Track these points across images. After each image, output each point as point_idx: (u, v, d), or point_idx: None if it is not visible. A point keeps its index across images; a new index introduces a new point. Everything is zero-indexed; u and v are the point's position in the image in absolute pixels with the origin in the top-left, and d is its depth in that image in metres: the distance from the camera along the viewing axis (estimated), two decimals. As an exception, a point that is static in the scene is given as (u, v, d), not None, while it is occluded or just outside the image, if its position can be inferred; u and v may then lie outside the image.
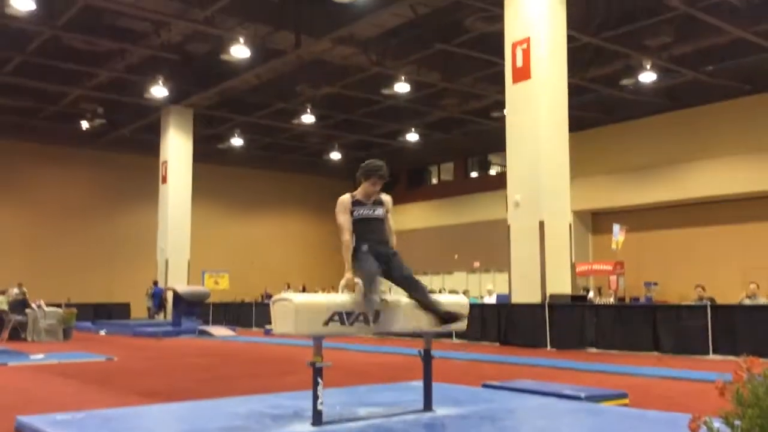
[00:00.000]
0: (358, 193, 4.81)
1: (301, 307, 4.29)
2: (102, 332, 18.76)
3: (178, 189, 23.76)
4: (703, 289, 14.12)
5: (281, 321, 4.38)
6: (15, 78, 20.41)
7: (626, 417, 4.77)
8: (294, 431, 4.27)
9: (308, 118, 24.65)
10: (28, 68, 19.75)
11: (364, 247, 4.64)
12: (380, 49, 18.59)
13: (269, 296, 23.63)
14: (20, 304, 15.60)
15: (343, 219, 4.70)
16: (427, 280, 28.24)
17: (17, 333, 15.10)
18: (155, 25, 17.73)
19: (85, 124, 25.76)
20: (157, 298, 24.01)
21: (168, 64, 20.30)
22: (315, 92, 22.13)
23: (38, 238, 25.97)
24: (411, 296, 4.74)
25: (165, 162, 24.02)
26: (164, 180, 24.01)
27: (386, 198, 4.90)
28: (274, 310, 4.44)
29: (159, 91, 21.49)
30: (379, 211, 4.78)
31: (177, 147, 23.86)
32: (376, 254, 4.65)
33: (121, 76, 20.68)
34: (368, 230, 4.70)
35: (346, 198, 4.78)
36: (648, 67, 18.37)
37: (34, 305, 15.67)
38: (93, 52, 19.26)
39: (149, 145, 25.51)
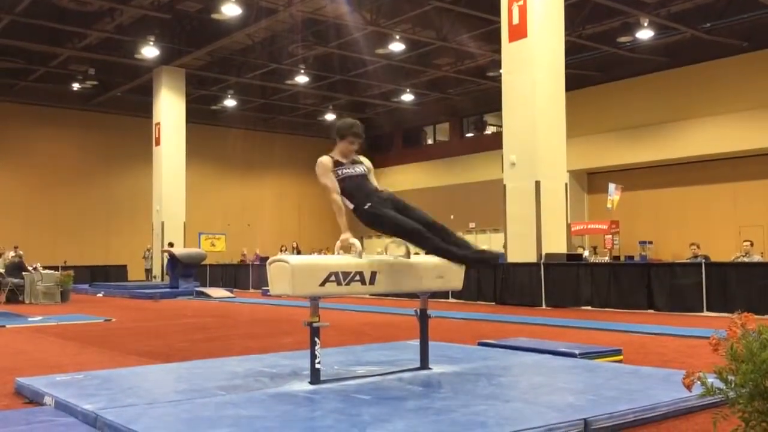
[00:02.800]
0: (335, 153, 4.70)
1: (297, 268, 4.29)
2: (100, 294, 18.84)
3: (172, 151, 23.60)
4: (698, 247, 14.22)
5: (278, 282, 4.39)
6: (4, 39, 20.07)
7: (620, 373, 4.82)
8: (292, 390, 4.31)
9: (302, 79, 24.43)
10: (17, 28, 19.41)
11: (367, 205, 4.53)
12: (374, 7, 18.32)
13: (260, 258, 23.68)
14: (16, 267, 15.62)
15: (329, 180, 4.58)
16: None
17: (15, 296, 15.15)
18: (145, -17, 17.43)
19: (76, 85, 25.50)
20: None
21: (159, 24, 19.99)
22: (308, 52, 21.87)
23: (32, 201, 25.89)
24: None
25: (158, 123, 23.82)
26: (157, 142, 23.83)
27: (365, 159, 4.79)
28: (271, 271, 4.45)
29: (150, 51, 21.23)
30: (360, 169, 4.67)
31: (170, 108, 23.64)
32: (382, 203, 4.54)
33: (112, 36, 20.37)
34: (358, 187, 4.60)
35: (326, 159, 4.64)
36: (645, 24, 18.18)
37: (30, 268, 15.71)
38: (82, 11, 18.93)
39: (142, 106, 25.27)
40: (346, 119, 4.82)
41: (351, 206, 4.59)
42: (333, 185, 4.58)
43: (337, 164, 4.64)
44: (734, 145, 19.74)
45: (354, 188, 4.59)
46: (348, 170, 4.63)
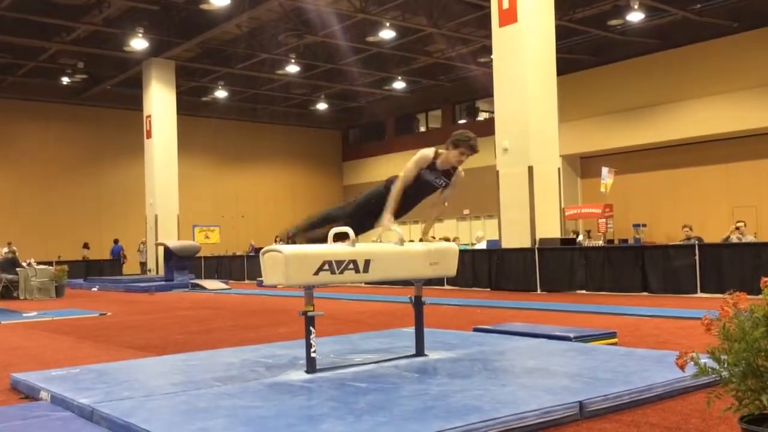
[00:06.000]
0: (441, 156, 4.67)
1: (291, 258, 4.29)
2: (95, 288, 18.81)
3: (164, 143, 23.51)
4: (691, 229, 14.27)
5: (271, 272, 4.38)
6: (-9, 34, 19.94)
7: (615, 355, 4.84)
8: (289, 379, 4.32)
9: (293, 68, 24.33)
10: (3, 23, 19.26)
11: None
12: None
13: (255, 249, 23.76)
14: (10, 263, 15.57)
15: (410, 171, 4.60)
16: (417, 229, 28.36)
17: (9, 292, 15.12)
18: (132, -26, 17.29)
19: (66, 80, 25.34)
20: (115, 256, 25.17)
21: (147, 16, 19.86)
22: (298, 41, 21.76)
23: (25, 197, 25.78)
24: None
25: (149, 116, 23.70)
26: (149, 135, 23.73)
27: (460, 172, 4.75)
28: (264, 262, 4.44)
29: (139, 43, 21.11)
30: (440, 181, 4.68)
31: (160, 100, 23.51)
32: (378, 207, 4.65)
33: (100, 28, 20.23)
34: (413, 194, 4.63)
35: (428, 154, 4.64)
36: (636, 6, 18.14)
37: (24, 264, 15.66)
38: (70, 5, 18.78)
39: (132, 99, 25.15)
40: (468, 131, 4.76)
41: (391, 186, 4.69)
42: (406, 176, 4.61)
43: (431, 166, 4.65)
44: (726, 126, 19.77)
45: (413, 187, 4.62)
46: (430, 177, 4.64)
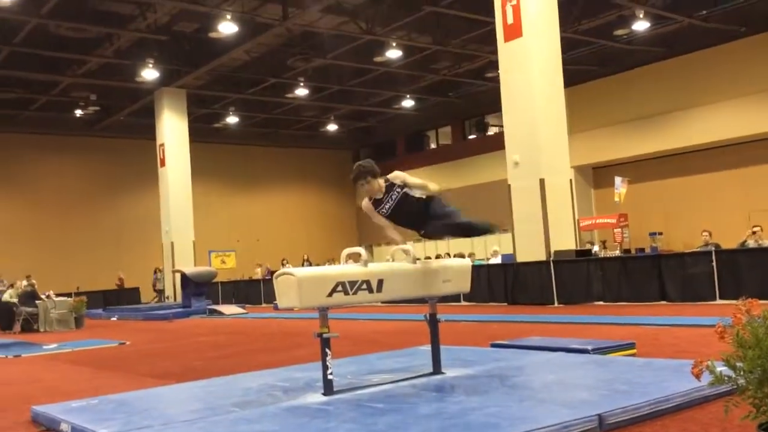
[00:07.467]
0: (366, 195, 4.86)
1: (304, 280, 4.31)
2: (113, 318, 18.91)
3: (177, 171, 23.71)
4: (710, 234, 14.14)
5: (285, 295, 4.41)
6: (4, 70, 20.25)
7: (633, 366, 4.81)
8: (306, 402, 4.32)
9: (302, 92, 24.52)
10: (16, 59, 19.60)
11: (422, 232, 4.93)
12: (369, 16, 18.38)
13: (270, 273, 23.82)
14: (30, 296, 15.70)
15: (377, 220, 4.88)
16: (432, 246, 28.31)
17: (29, 325, 15.22)
18: (141, 6, 17.55)
19: (79, 112, 25.69)
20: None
21: (157, 46, 20.13)
22: (307, 65, 21.95)
23: (42, 230, 26.02)
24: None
25: (162, 145, 23.95)
26: (162, 163, 23.95)
27: (393, 176, 4.83)
28: (278, 285, 4.47)
29: (150, 73, 21.37)
30: (394, 195, 4.78)
31: (173, 129, 23.76)
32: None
33: (111, 61, 20.52)
34: (404, 213, 4.78)
35: (365, 204, 4.87)
36: (641, 15, 18.15)
37: (43, 296, 15.79)
38: (81, 38, 19.09)
39: (145, 129, 25.42)
40: (355, 167, 4.88)
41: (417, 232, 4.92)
42: (381, 222, 4.88)
43: (376, 203, 4.81)
44: (738, 131, 19.64)
45: (400, 215, 4.81)
46: (387, 204, 4.78)
